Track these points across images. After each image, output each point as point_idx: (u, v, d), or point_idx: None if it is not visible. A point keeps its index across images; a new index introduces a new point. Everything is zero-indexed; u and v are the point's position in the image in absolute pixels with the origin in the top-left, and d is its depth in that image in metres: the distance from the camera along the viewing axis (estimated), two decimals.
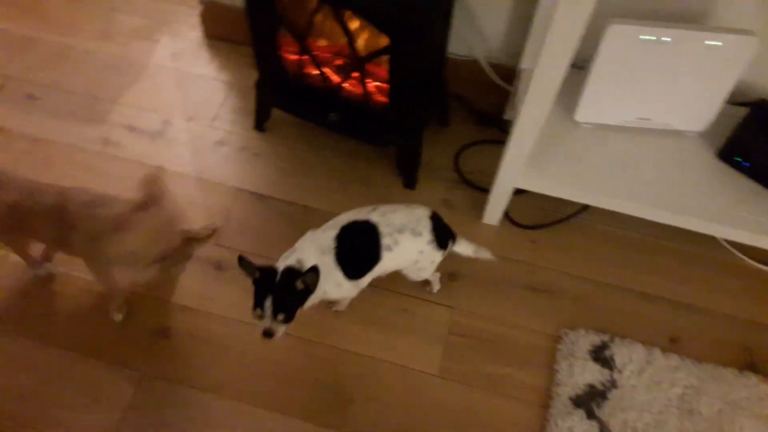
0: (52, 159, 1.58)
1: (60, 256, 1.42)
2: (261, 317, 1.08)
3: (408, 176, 1.56)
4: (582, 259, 1.49)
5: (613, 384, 1.31)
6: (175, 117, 1.69)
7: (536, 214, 1.55)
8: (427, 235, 1.21)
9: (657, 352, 1.35)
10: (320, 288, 1.12)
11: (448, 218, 1.29)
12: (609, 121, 1.44)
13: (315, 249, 1.16)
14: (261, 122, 1.65)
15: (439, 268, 1.32)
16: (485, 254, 1.35)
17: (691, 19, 1.40)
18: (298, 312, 1.11)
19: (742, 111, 1.38)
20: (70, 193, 1.17)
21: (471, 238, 1.35)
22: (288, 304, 1.09)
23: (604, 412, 1.28)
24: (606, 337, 1.36)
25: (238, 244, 1.47)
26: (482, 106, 1.71)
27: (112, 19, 1.89)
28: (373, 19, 1.22)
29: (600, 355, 1.34)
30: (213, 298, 1.39)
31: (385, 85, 1.39)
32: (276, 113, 1.64)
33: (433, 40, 1.34)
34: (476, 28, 1.58)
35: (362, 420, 1.26)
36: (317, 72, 1.43)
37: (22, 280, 1.39)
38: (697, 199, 1.36)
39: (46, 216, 1.16)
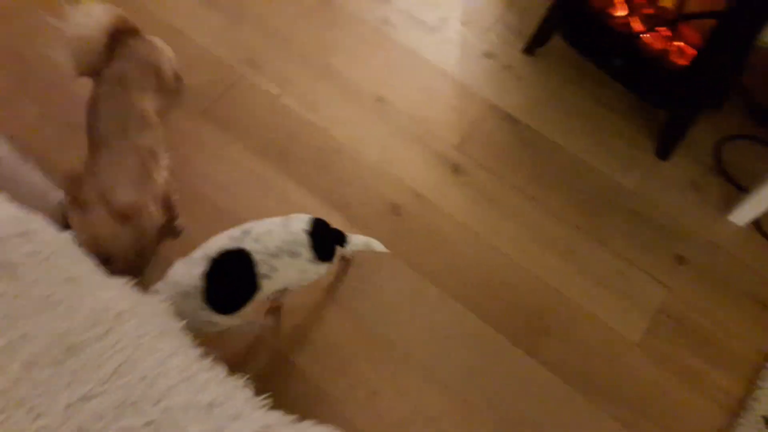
0: (335, 21, 1.70)
1: None
2: None
3: (666, 145, 1.51)
4: None
5: None
6: (453, 18, 1.73)
7: None
8: (306, 253, 1.10)
9: None
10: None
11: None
12: None
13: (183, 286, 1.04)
14: (534, 46, 1.65)
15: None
16: (377, 247, 1.26)
17: None
18: None
19: None
20: None
21: (708, 231, 1.31)
22: None
23: None
24: None
25: (477, 156, 1.52)
26: (764, 101, 1.59)
27: None
28: None
29: None
30: (445, 196, 1.46)
31: (689, 49, 1.33)
32: (553, 44, 1.63)
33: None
34: None
35: (551, 354, 1.30)
36: (623, 14, 1.39)
37: None
38: None
39: None
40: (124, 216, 1.09)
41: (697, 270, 1.40)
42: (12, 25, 1.62)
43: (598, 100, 1.60)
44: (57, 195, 1.23)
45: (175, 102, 1.42)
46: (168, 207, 1.28)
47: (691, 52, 1.31)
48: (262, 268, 1.07)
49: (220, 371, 0.80)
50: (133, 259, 1.14)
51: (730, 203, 1.45)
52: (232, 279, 1.08)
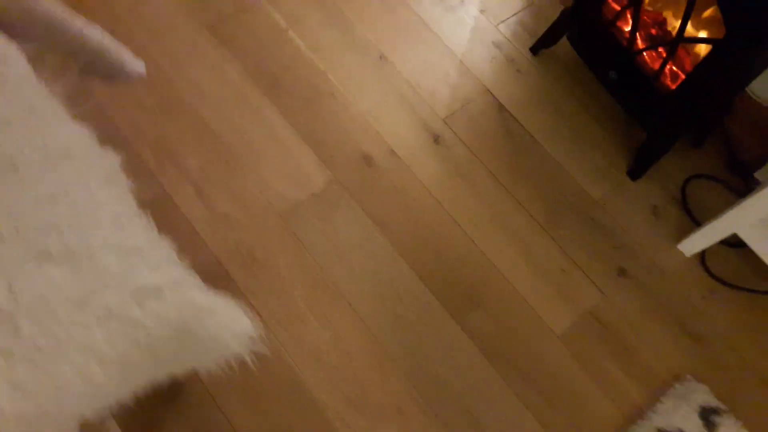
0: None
1: None
2: None
3: (638, 166, 1.56)
4: (750, 338, 1.44)
5: None
6: (472, 3, 1.79)
7: (731, 273, 1.51)
8: None
9: None
10: None
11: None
12: None
13: None
14: (541, 46, 1.70)
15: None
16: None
17: None
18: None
19: None
20: None
21: (656, 254, 1.38)
22: None
23: None
24: (724, 407, 1.33)
25: (460, 132, 1.57)
26: (742, 152, 1.65)
27: None
28: (727, 6, 1.21)
29: (708, 417, 1.32)
30: (420, 160, 1.52)
31: (681, 73, 1.39)
32: (557, 49, 1.69)
33: (764, 55, 1.31)
34: None
35: (477, 327, 1.35)
36: (627, 28, 1.45)
37: None
38: None
39: None
40: None
41: (636, 285, 1.45)
42: None
43: (587, 110, 1.66)
44: None
45: None
46: None
47: (682, 75, 1.37)
48: None
49: (151, 228, 0.84)
50: None
51: (682, 234, 1.51)
52: None
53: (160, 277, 0.77)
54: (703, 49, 1.35)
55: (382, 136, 1.54)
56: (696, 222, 1.54)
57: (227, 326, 0.76)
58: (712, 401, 1.34)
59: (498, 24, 1.77)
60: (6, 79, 0.88)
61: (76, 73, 1.12)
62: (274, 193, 1.43)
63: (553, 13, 1.67)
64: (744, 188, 1.60)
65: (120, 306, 0.66)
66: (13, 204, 0.76)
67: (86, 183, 0.81)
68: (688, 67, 1.38)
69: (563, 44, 1.67)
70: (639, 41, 1.45)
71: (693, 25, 1.32)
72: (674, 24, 1.42)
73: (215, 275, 1.31)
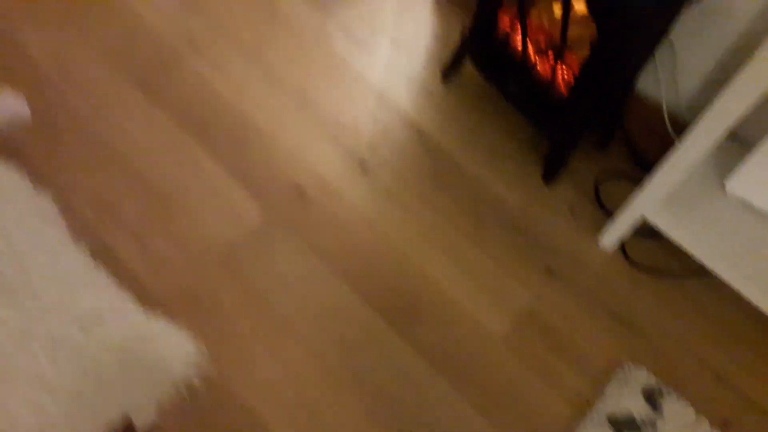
0: (275, 19, 1.85)
1: None
2: None
3: (550, 172, 1.68)
4: (676, 319, 1.54)
5: (653, 427, 1.37)
6: (385, 38, 1.90)
7: (651, 261, 1.62)
8: None
9: (705, 424, 1.39)
10: None
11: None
12: (760, 203, 1.48)
13: None
14: (449, 71, 1.82)
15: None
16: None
17: None
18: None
19: None
20: None
21: (578, 250, 1.50)
22: None
23: None
24: (665, 387, 1.42)
25: (384, 157, 1.66)
26: (646, 150, 1.80)
27: None
28: (592, 4, 1.34)
29: (652, 397, 1.41)
30: (349, 186, 1.59)
31: (571, 78, 1.52)
32: (465, 72, 1.82)
33: (637, 52, 1.44)
34: (671, 73, 1.67)
35: (423, 340, 1.41)
36: (519, 40, 1.57)
37: None
38: None
39: None
40: None
41: (564, 282, 1.55)
42: None
43: (498, 124, 1.78)
44: None
45: None
46: None
47: (572, 80, 1.50)
48: None
49: (88, 258, 0.86)
50: None
51: (601, 229, 1.62)
52: None
53: (101, 302, 0.80)
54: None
55: (311, 168, 1.60)
56: (611, 216, 1.66)
57: (171, 349, 0.79)
58: (653, 383, 1.43)
59: (410, 56, 1.88)
60: None
61: None
62: (212, 233, 1.47)
63: (457, 38, 1.80)
64: None
65: (63, 333, 0.69)
66: None
67: (21, 220, 0.84)
68: (576, 68, 1.51)
69: (470, 67, 1.80)
70: (531, 52, 1.58)
71: (580, 29, 1.45)
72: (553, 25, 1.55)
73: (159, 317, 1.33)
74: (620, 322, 1.52)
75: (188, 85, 1.67)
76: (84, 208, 1.45)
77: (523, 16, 1.51)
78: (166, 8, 1.80)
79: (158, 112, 1.61)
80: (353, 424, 1.29)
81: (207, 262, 1.43)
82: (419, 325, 1.43)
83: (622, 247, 1.62)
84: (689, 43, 1.57)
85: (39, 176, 1.44)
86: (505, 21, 1.60)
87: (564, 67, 1.53)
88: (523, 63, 1.58)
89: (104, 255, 1.38)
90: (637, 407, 1.39)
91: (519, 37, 1.58)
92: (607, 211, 1.67)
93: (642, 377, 1.43)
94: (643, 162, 1.78)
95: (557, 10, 1.48)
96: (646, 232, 1.61)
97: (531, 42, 1.57)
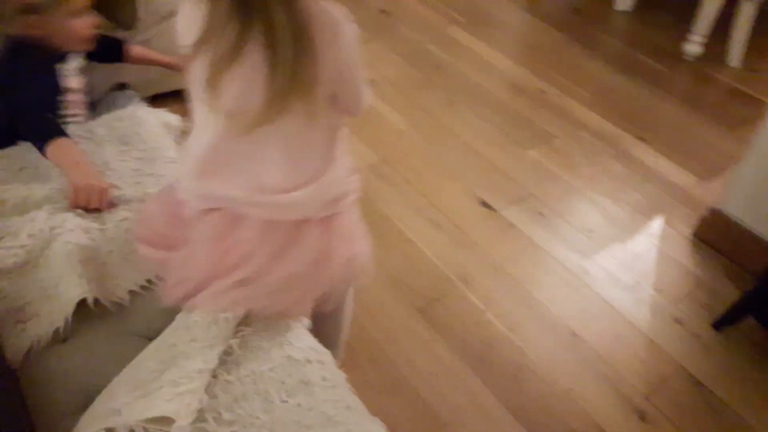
0: (540, 261, 1.96)
1: None
2: None
3: None
4: None
5: None
6: (646, 283, 1.94)
7: None
8: None
9: None
10: None
11: None
12: None
13: None
14: (724, 324, 1.78)
15: None
16: None
17: None
18: None
19: None
20: None
21: None
22: None
23: None
24: None
25: (664, 409, 1.59)
26: None
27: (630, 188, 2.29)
28: None
29: None
30: None
31: None
32: (742, 325, 1.77)
33: None
34: None
35: None
36: None
37: None
38: None
39: None
40: None
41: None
42: None
43: None
44: None
45: None
46: None
47: None
48: None
49: None
50: None
51: None
52: None
53: None
54: None
55: (588, 414, 1.58)
56: None
57: None
58: None
59: (675, 302, 1.88)
60: (328, 381, 1.06)
61: None
62: None
63: (723, 288, 1.79)
64: None
65: None
66: None
67: None
68: None
69: (750, 319, 1.75)
70: None
71: None
72: None
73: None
74: None
75: (464, 316, 1.79)
76: None
77: None
78: (439, 244, 2.00)
79: (438, 338, 1.73)
80: None
81: None
82: None
83: None
84: None
85: None
86: None
87: None
88: None
89: None
90: None
91: None
92: None
93: None
94: None
95: None
96: None
97: None
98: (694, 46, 2.88)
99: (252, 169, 1.10)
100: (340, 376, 1.11)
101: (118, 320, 1.15)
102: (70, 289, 1.11)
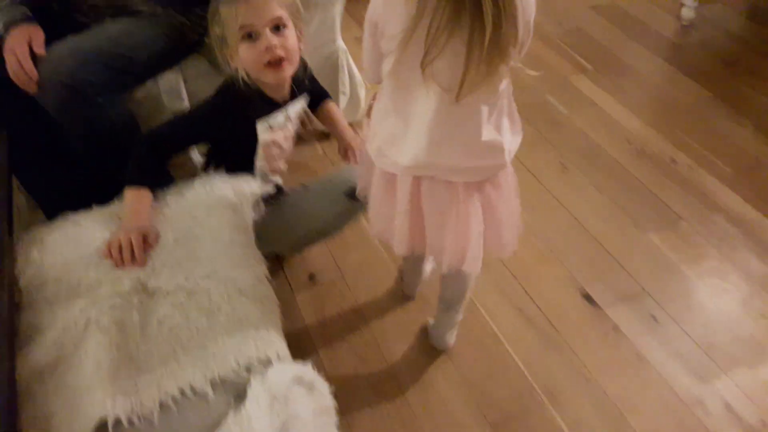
0: (648, 383, 1.67)
1: None
2: None
3: None
4: None
5: None
6: None
7: None
8: None
9: None
10: None
11: None
12: None
13: None
14: None
15: None
16: None
17: None
18: None
19: None
20: None
21: None
22: None
23: None
24: None
25: None
26: None
27: None
28: None
29: None
30: None
31: None
32: None
33: None
34: None
35: None
36: None
37: None
38: None
39: None
40: None
41: None
42: None
43: None
44: None
45: None
46: None
47: None
48: None
49: None
50: None
51: None
52: None
53: None
54: None
55: None
56: None
57: None
58: None
59: None
60: None
61: None
62: None
63: None
64: None
65: None
66: None
67: None
68: None
69: None
70: None
71: None
72: None
73: None
74: None
75: None
76: None
77: None
78: (529, 344, 1.77)
79: None
80: None
81: None
82: None
83: None
84: None
85: None
86: None
87: None
88: None
89: None
90: None
91: None
92: None
93: None
94: None
95: None
96: None
97: None
98: None
99: (466, 135, 1.23)
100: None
101: None
102: (93, 406, 1.04)
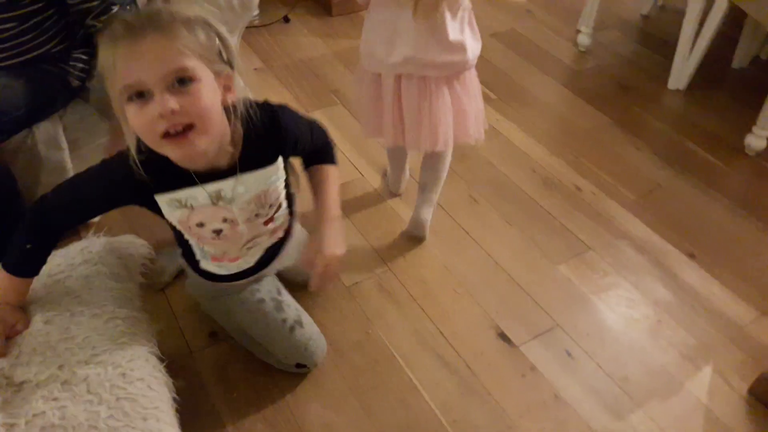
0: (564, 422, 1.65)
1: None
2: None
3: None
4: None
5: None
6: None
7: None
8: None
9: None
10: None
11: None
12: None
13: None
14: None
15: None
16: None
17: None
18: None
19: None
20: None
21: None
22: None
23: None
24: None
25: None
26: None
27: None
28: None
29: None
30: None
31: None
32: None
33: None
34: None
35: None
36: None
37: None
38: None
39: None
40: None
41: None
42: None
43: None
44: None
45: None
46: None
47: None
48: None
49: None
50: None
51: None
52: None
53: None
54: None
55: None
56: None
57: None
58: None
59: None
60: None
61: None
62: None
63: None
64: None
65: None
66: None
67: None
68: None
69: None
70: None
71: None
72: None
73: None
74: None
75: None
76: None
77: None
78: (446, 391, 1.71)
79: None
80: None
81: None
82: None
83: None
84: None
85: None
86: None
87: None
88: None
89: None
90: None
91: None
92: None
93: None
94: None
95: None
96: None
97: None
98: (758, 140, 2.53)
99: (438, 35, 1.57)
100: None
101: None
102: None
